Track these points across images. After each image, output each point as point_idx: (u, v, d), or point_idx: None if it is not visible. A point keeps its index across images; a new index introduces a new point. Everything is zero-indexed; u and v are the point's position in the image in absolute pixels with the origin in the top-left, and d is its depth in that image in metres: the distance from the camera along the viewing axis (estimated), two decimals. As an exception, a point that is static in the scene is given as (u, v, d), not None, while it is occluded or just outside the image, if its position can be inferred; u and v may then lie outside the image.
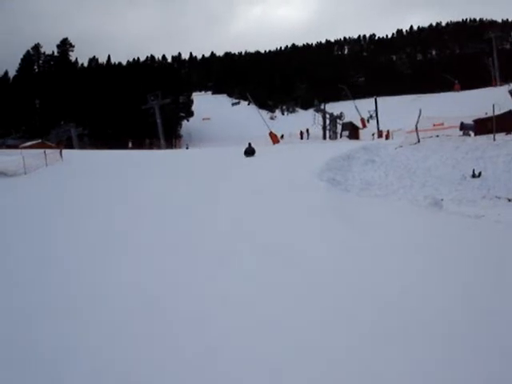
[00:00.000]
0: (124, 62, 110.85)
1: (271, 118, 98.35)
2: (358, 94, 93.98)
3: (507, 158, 24.00)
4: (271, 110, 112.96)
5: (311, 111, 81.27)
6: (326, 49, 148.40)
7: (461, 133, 35.07)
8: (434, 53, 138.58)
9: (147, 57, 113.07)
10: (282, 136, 67.52)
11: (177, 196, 18.10)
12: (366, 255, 9.40)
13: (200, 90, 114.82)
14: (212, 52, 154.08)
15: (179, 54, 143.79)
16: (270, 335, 5.88)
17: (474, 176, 23.11)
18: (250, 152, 30.29)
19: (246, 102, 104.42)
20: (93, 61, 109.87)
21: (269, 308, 6.83)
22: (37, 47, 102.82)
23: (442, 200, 17.93)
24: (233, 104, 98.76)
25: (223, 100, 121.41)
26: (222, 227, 12.35)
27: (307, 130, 70.76)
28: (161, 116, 72.46)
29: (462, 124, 36.47)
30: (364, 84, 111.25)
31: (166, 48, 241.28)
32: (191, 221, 13.47)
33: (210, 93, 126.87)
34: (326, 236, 11.24)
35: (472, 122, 35.82)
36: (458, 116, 38.99)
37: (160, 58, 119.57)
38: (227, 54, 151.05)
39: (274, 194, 17.63)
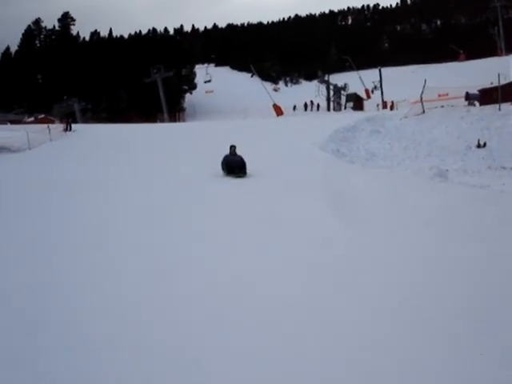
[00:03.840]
0: (126, 36, 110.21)
1: (275, 90, 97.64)
2: (362, 64, 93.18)
3: (513, 128, 23.90)
4: (274, 81, 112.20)
5: (315, 82, 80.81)
6: (330, 19, 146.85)
7: (466, 103, 34.89)
8: (438, 23, 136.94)
9: (149, 30, 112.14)
10: (295, 107, 67.47)
11: (180, 169, 18.20)
12: (375, 231, 9.40)
13: (203, 63, 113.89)
14: (214, 24, 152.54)
15: (181, 26, 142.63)
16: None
17: (479, 146, 23.00)
18: (234, 166, 16.98)
19: (249, 74, 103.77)
20: (94, 34, 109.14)
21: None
22: (38, 22, 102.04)
23: (447, 171, 17.88)
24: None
25: (226, 72, 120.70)
26: (226, 207, 12.39)
27: (311, 102, 70.47)
28: (163, 89, 72.12)
29: (467, 94, 36.26)
30: (369, 54, 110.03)
31: (167, 20, 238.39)
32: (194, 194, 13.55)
33: (212, 65, 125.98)
34: (329, 209, 11.26)
35: (477, 92, 35.60)
36: (463, 86, 38.65)
37: (162, 30, 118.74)
38: (229, 26, 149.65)
39: (277, 167, 17.65)
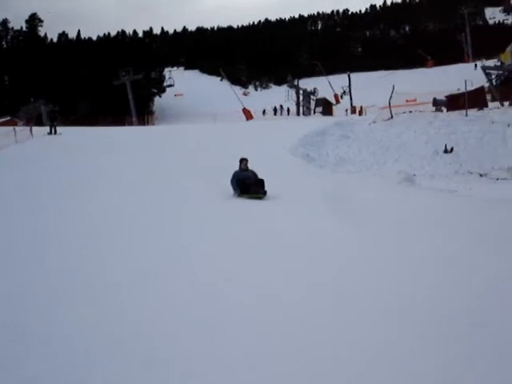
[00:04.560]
0: (94, 38, 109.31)
1: (244, 94, 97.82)
2: (332, 69, 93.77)
3: (479, 133, 24.26)
4: (244, 85, 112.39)
5: (285, 87, 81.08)
6: (300, 24, 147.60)
7: (433, 108, 35.26)
8: (407, 29, 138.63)
9: (118, 32, 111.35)
10: (264, 111, 67.60)
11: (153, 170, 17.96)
12: (345, 234, 9.37)
13: (172, 66, 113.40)
14: (184, 27, 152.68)
15: (150, 28, 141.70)
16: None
17: (446, 151, 23.32)
18: (250, 183, 13.89)
19: (219, 78, 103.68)
20: (62, 36, 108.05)
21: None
22: (5, 22, 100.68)
23: (415, 175, 18.05)
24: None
25: (196, 76, 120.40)
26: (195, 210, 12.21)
27: (281, 106, 70.72)
28: (132, 92, 71.63)
29: (434, 100, 36.62)
30: (339, 59, 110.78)
31: (137, 23, 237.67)
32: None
33: (182, 68, 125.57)
34: (298, 215, 11.20)
35: (444, 98, 36.00)
36: (431, 92, 39.09)
37: (131, 33, 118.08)
38: (199, 29, 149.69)
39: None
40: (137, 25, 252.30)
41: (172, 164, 18.66)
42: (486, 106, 33.78)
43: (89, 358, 4.32)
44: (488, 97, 39.95)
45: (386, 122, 28.11)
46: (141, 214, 10.75)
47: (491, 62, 60.49)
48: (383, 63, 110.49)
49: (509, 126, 24.51)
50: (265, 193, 13.41)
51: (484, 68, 41.86)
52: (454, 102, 32.30)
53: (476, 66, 76.72)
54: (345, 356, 4.23)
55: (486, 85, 42.56)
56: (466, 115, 27.03)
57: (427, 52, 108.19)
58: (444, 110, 33.87)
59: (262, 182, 13.73)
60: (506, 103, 36.38)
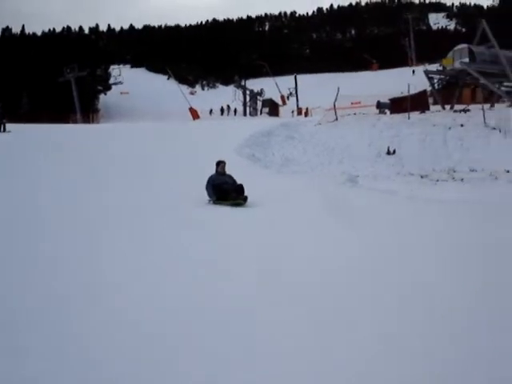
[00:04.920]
0: (39, 33, 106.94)
1: (191, 93, 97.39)
2: (279, 70, 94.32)
3: (421, 136, 24.83)
4: (191, 85, 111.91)
5: (232, 87, 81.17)
6: (247, 25, 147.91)
7: (377, 111, 35.95)
8: (353, 32, 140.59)
9: (63, 28, 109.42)
10: (211, 111, 67.42)
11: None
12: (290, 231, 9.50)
13: (118, 63, 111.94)
14: (131, 24, 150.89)
15: (97, 25, 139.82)
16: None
17: (389, 153, 23.79)
18: (228, 189, 12.67)
19: (166, 77, 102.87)
20: (6, 31, 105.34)
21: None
22: None
23: (358, 176, 18.33)
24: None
25: (142, 74, 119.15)
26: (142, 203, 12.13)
27: (228, 106, 70.80)
28: (77, 89, 70.41)
29: (378, 103, 37.34)
30: (286, 61, 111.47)
31: (83, 20, 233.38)
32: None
33: (128, 66, 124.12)
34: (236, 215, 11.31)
35: (388, 101, 36.74)
36: (375, 95, 39.84)
37: (77, 29, 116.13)
38: (146, 27, 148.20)
39: (189, 169, 17.53)
40: (83, 22, 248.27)
41: (118, 166, 18.48)
42: (428, 109, 34.65)
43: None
44: (430, 100, 40.98)
45: (331, 123, 28.49)
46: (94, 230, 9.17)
47: (434, 67, 61.93)
48: (330, 66, 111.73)
49: (449, 128, 25.18)
50: (245, 199, 12.25)
51: (426, 72, 42.85)
52: (398, 105, 33.02)
53: (414, 71, 78.49)
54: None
55: (429, 89, 43.63)
56: (409, 118, 27.66)
57: (372, 55, 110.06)
58: (387, 112, 34.58)
59: (241, 187, 12.56)
60: (448, 107, 37.37)
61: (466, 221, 10.74)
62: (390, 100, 36.49)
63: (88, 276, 6.43)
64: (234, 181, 12.91)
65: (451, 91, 42.30)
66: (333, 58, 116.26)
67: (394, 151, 23.83)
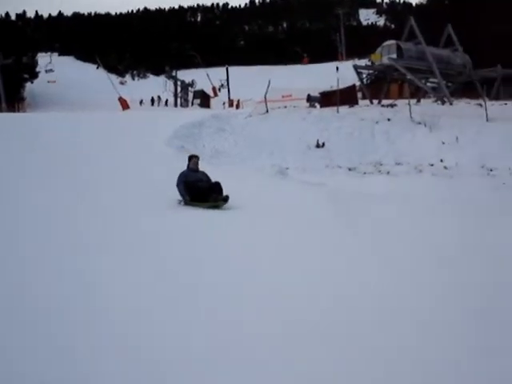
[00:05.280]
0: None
1: (121, 83, 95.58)
2: (210, 62, 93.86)
3: (349, 129, 25.23)
4: (121, 74, 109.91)
5: (163, 77, 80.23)
6: (179, 15, 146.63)
7: (307, 104, 36.29)
8: (284, 25, 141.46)
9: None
10: (141, 101, 66.36)
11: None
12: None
13: (46, 51, 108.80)
14: (59, 11, 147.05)
15: (24, 12, 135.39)
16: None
17: (318, 146, 24.08)
18: (204, 188, 11.47)
19: (95, 66, 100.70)
20: None
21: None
22: None
23: (288, 169, 18.49)
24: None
25: (70, 62, 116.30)
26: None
27: (159, 97, 69.99)
28: (1, 77, 67.95)
29: (308, 96, 37.69)
30: (218, 52, 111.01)
31: (9, 5, 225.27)
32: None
33: (56, 54, 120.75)
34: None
35: (318, 95, 37.14)
36: (306, 88, 40.23)
37: (3, 15, 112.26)
38: (75, 15, 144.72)
39: (120, 163, 17.23)
40: (9, 7, 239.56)
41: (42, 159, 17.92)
42: (357, 103, 35.23)
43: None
44: (359, 95, 41.66)
45: (261, 116, 28.54)
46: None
47: (363, 62, 62.96)
48: (262, 58, 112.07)
49: (377, 123, 25.67)
50: (225, 199, 10.83)
51: (355, 67, 43.47)
52: (327, 99, 33.44)
53: (337, 68, 79.41)
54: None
55: (358, 83, 44.33)
56: (338, 112, 28.03)
57: (303, 49, 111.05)
58: (317, 106, 34.96)
59: (218, 185, 11.15)
60: (376, 101, 38.08)
61: (385, 212, 10.99)
62: (320, 94, 36.90)
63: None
64: (209, 178, 11.70)
65: (379, 86, 43.12)
66: (265, 51, 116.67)
67: (323, 144, 24.13)
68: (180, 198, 11.29)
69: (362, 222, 9.94)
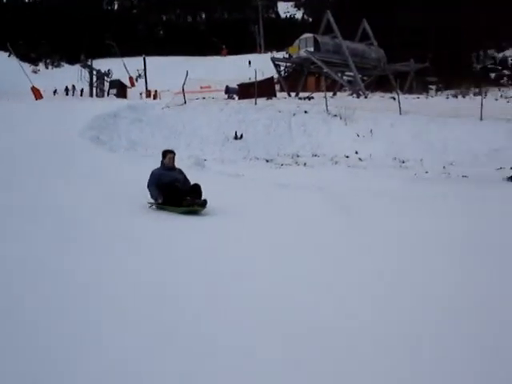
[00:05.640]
0: None
1: (34, 72, 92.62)
2: (127, 51, 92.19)
3: (267, 121, 25.38)
4: (34, 62, 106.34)
5: (78, 66, 78.22)
6: (95, 2, 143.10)
7: (226, 96, 36.28)
8: (203, 16, 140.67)
9: None
10: (55, 91, 64.21)
11: None
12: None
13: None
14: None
15: None
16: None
17: (236, 138, 24.12)
18: (180, 189, 9.58)
19: (7, 54, 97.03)
20: None
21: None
22: None
23: (206, 160, 18.40)
24: None
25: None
26: None
27: (74, 86, 68.17)
28: None
29: (226, 88, 37.71)
30: (134, 42, 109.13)
31: None
32: None
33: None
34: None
35: (236, 86, 37.20)
36: (224, 80, 40.23)
37: None
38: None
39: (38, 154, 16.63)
40: None
41: None
42: (275, 95, 35.52)
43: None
44: (277, 87, 42.03)
45: (179, 107, 28.27)
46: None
47: (281, 54, 63.57)
48: (181, 49, 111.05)
49: (294, 115, 25.95)
50: (204, 204, 9.46)
51: (273, 60, 43.83)
52: (245, 91, 33.56)
53: (250, 62, 79.84)
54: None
55: (276, 76, 44.70)
56: (256, 104, 28.15)
57: (222, 41, 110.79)
58: (236, 97, 35.00)
59: (197, 187, 9.73)
60: (293, 94, 38.53)
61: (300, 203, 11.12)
62: (239, 85, 36.98)
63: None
64: (186, 178, 10.21)
65: (297, 79, 43.68)
66: (184, 42, 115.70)
67: (241, 136, 24.18)
68: (151, 200, 9.74)
69: (271, 209, 10.12)
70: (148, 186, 9.72)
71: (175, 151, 10.63)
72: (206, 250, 7.03)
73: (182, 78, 31.42)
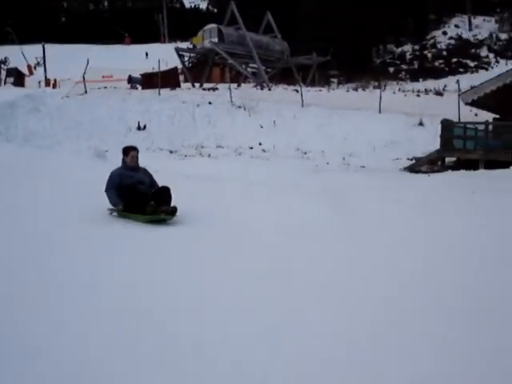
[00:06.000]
0: None
1: None
2: (26, 38, 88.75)
3: (171, 112, 25.20)
4: None
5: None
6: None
7: (129, 86, 35.63)
8: (106, 4, 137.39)
9: None
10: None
11: None
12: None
13: None
14: None
15: None
16: None
17: (139, 128, 23.79)
18: (145, 194, 8.10)
19: None
20: None
21: None
22: None
23: (107, 151, 18.00)
24: None
25: None
26: None
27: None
28: None
29: (129, 77, 37.01)
30: (33, 29, 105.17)
31: None
32: None
33: None
34: None
35: (139, 76, 36.59)
36: (127, 69, 39.40)
37: None
38: None
39: None
40: None
41: None
42: (179, 86, 35.24)
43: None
44: (181, 78, 41.70)
45: (80, 96, 27.53)
46: None
47: (185, 45, 63.09)
48: (82, 37, 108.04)
49: (198, 106, 25.88)
50: (173, 211, 8.04)
51: (177, 50, 43.42)
52: (149, 81, 33.09)
53: (147, 54, 78.95)
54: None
55: (180, 66, 44.31)
56: (159, 94, 27.86)
57: (125, 29, 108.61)
58: (139, 87, 34.45)
59: (166, 190, 8.29)
60: (197, 85, 38.34)
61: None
62: (142, 75, 36.40)
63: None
64: (153, 179, 8.75)
65: (201, 70, 43.45)
66: (86, 29, 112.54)
67: (145, 126, 23.88)
68: (111, 206, 8.27)
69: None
70: (106, 190, 8.20)
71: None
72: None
73: (83, 66, 30.58)
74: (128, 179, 8.27)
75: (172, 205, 8.11)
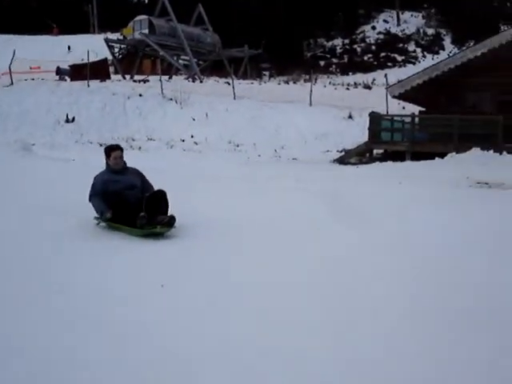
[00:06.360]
0: None
1: None
2: None
3: (100, 104, 24.83)
4: None
5: None
6: None
7: (57, 77, 34.83)
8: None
9: None
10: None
11: None
12: None
13: None
14: None
15: None
16: None
17: (67, 121, 23.34)
18: (135, 203, 6.60)
19: None
20: None
21: None
22: None
23: (34, 144, 17.58)
24: None
25: None
26: None
27: None
28: None
29: (58, 68, 36.17)
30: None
31: None
32: None
33: None
34: None
35: (68, 68, 35.83)
36: (56, 60, 38.52)
37: None
38: None
39: None
40: None
41: None
42: (109, 77, 34.67)
43: None
44: (111, 69, 41.03)
45: (6, 88, 26.79)
46: None
47: (115, 36, 62.04)
48: (8, 27, 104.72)
49: (129, 98, 25.59)
50: (171, 222, 6.58)
51: (107, 41, 42.71)
52: (78, 72, 32.42)
53: (69, 48, 77.45)
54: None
55: (110, 57, 43.60)
56: (89, 86, 27.36)
57: (53, 20, 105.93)
58: (68, 79, 33.72)
59: (161, 196, 6.91)
60: (128, 76, 37.84)
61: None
62: (70, 66, 35.64)
63: None
64: (146, 182, 7.39)
65: (132, 61, 42.91)
66: (12, 19, 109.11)
67: (74, 119, 23.44)
68: (97, 216, 6.91)
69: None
70: (89, 200, 6.86)
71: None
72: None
73: (8, 57, 29.73)
74: (113, 185, 6.87)
75: (170, 214, 6.70)
